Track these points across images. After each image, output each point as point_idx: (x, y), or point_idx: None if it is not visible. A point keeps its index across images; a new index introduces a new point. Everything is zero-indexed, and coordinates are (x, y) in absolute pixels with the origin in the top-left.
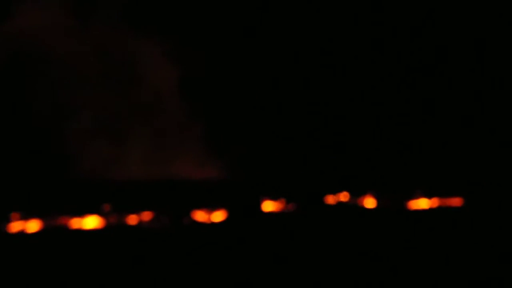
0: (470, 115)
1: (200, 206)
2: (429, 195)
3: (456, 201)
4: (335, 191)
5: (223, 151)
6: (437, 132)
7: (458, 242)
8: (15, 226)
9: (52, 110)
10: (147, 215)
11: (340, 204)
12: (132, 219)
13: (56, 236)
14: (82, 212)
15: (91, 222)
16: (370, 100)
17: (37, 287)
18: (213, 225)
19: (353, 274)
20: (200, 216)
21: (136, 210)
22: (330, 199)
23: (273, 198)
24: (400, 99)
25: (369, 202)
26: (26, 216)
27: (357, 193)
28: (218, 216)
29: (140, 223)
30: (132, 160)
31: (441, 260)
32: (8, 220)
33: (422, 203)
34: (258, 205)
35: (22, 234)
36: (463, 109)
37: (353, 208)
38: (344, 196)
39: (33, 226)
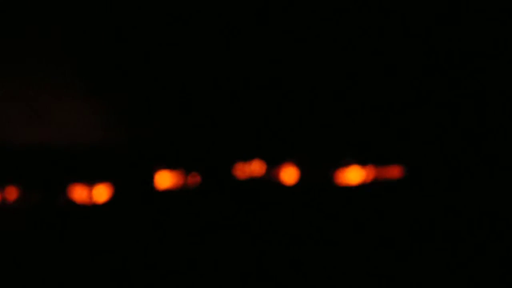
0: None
1: (78, 179)
2: (363, 163)
3: (394, 171)
4: (245, 159)
5: (105, 108)
6: (372, 85)
7: (398, 222)
8: None
9: None
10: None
11: (252, 177)
12: None
13: None
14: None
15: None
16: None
17: None
18: (94, 205)
19: (266, 265)
20: (78, 192)
21: None
22: (240, 171)
23: (169, 167)
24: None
25: (289, 174)
26: None
27: (274, 162)
28: (101, 192)
29: (3, 202)
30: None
31: (380, 244)
32: None
33: (354, 174)
34: (150, 179)
35: None
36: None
37: (268, 182)
38: (257, 166)
39: None
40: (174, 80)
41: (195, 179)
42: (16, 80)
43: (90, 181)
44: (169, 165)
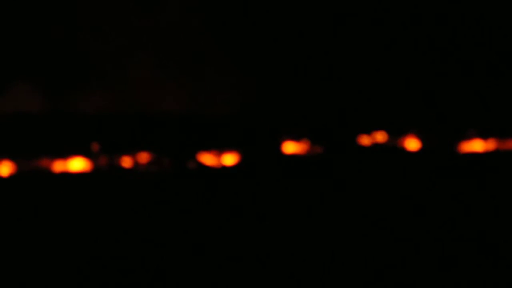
0: None
1: (207, 147)
2: (484, 136)
3: None
4: (369, 131)
5: (235, 82)
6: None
7: None
8: None
9: None
10: (143, 157)
11: (376, 145)
12: (126, 162)
13: (33, 180)
14: (67, 153)
15: (76, 164)
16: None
17: (13, 241)
18: (223, 169)
19: (390, 226)
20: (207, 158)
21: (131, 151)
22: (364, 140)
23: (295, 138)
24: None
25: (412, 143)
26: None
27: (397, 132)
28: (229, 159)
29: (135, 166)
30: (127, 92)
31: (501, 214)
32: None
33: (476, 145)
34: (278, 146)
35: None
36: None
37: (392, 150)
38: (381, 136)
39: (4, 169)
40: (301, 55)
41: (317, 149)
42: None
43: (219, 149)
44: (295, 136)
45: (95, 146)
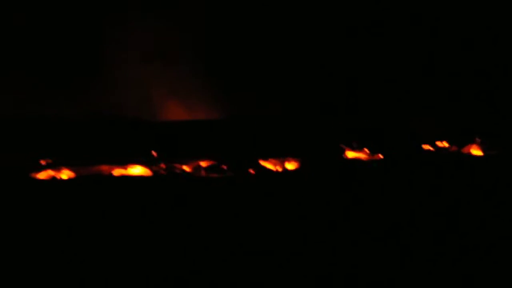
0: None
1: (269, 154)
2: None
3: None
4: (432, 139)
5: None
6: None
7: None
8: (45, 174)
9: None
10: (204, 163)
11: (439, 150)
12: (187, 167)
13: (93, 185)
14: (126, 160)
15: (137, 170)
16: None
17: (79, 239)
18: (285, 174)
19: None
20: (268, 164)
21: (192, 157)
22: (426, 146)
23: (356, 147)
24: None
25: (474, 150)
26: (57, 164)
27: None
28: (291, 165)
29: (196, 172)
30: (188, 98)
31: None
32: (39, 167)
33: None
34: (339, 153)
35: (53, 182)
36: None
37: (456, 156)
38: (443, 143)
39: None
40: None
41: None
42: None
43: (281, 155)
44: (354, 145)
45: (154, 153)
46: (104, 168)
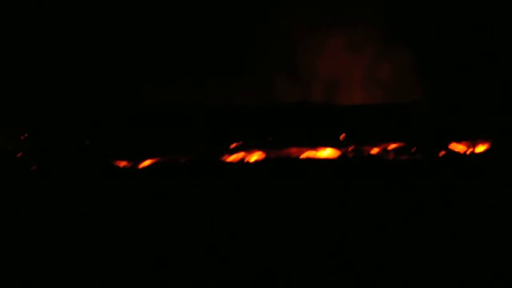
0: None
1: (460, 137)
2: None
3: None
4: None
5: None
6: None
7: None
8: (237, 156)
9: None
10: (392, 146)
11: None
12: (373, 150)
13: (282, 166)
14: (316, 143)
15: (326, 152)
16: None
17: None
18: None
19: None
20: (457, 147)
21: (380, 141)
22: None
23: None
24: None
25: None
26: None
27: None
28: (480, 147)
29: (383, 154)
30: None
31: None
32: (227, 151)
33: None
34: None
35: (242, 163)
36: None
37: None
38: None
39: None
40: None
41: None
42: None
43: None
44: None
45: (343, 136)
46: (293, 150)
